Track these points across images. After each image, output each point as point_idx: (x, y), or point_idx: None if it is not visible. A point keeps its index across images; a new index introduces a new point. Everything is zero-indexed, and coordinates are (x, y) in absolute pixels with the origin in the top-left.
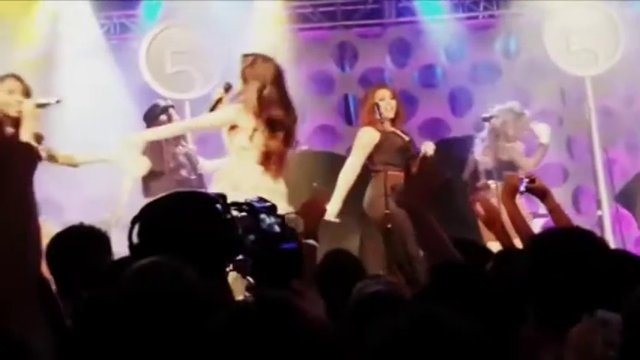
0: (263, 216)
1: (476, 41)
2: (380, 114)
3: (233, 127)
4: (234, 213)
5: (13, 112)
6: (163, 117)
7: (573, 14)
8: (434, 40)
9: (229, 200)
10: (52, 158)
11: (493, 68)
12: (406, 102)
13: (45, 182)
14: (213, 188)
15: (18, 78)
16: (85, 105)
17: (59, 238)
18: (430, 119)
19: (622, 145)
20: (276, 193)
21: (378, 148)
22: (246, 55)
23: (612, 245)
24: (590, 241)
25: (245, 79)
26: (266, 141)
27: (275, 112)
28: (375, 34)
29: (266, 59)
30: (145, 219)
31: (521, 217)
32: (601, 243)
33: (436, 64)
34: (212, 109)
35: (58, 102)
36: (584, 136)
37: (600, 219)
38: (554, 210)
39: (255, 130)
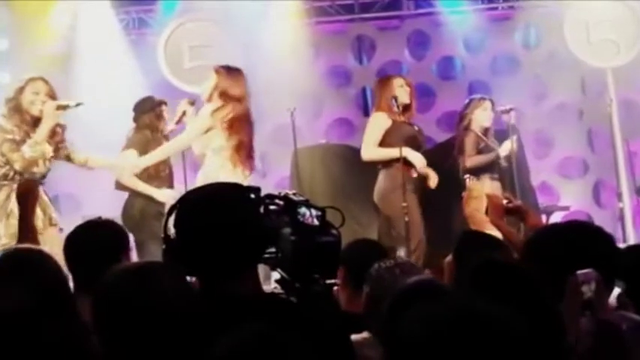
0: (303, 209)
1: (495, 33)
2: (397, 105)
3: (207, 130)
4: (270, 206)
5: (36, 112)
6: (151, 114)
7: (594, 5)
8: (452, 32)
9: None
10: (68, 159)
11: (513, 60)
12: (424, 94)
13: (63, 177)
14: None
15: (45, 81)
16: (104, 100)
17: (77, 232)
18: (449, 112)
19: None
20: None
21: (387, 135)
22: (217, 68)
23: (633, 239)
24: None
25: (218, 91)
26: (235, 138)
27: (238, 112)
28: (393, 26)
29: (235, 72)
30: (180, 209)
31: (515, 233)
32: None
33: (455, 56)
34: (177, 122)
35: (78, 105)
36: (605, 128)
37: (621, 212)
38: (537, 226)
39: (225, 129)
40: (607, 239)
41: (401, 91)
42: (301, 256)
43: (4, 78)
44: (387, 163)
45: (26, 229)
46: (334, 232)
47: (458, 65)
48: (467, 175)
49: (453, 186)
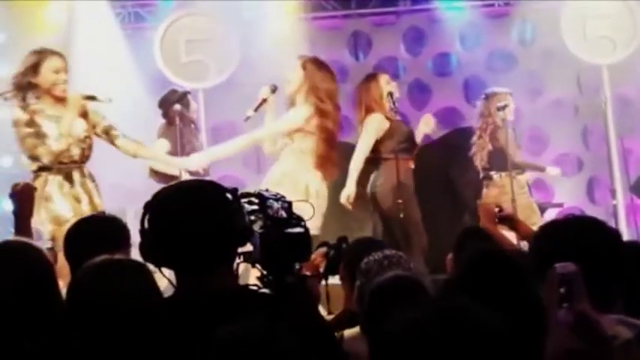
0: (270, 202)
1: (491, 29)
2: (394, 102)
3: (297, 130)
4: (246, 205)
5: (58, 92)
6: (178, 105)
7: (590, 2)
8: (449, 28)
9: (256, 193)
10: (113, 143)
11: (509, 56)
12: (420, 91)
13: None
14: (274, 189)
15: (62, 56)
16: (100, 93)
17: (78, 226)
18: (444, 108)
19: (638, 134)
20: (326, 198)
21: (387, 136)
22: (304, 62)
23: (627, 236)
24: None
25: (306, 71)
26: (322, 147)
27: (331, 123)
28: (389, 22)
29: (321, 64)
30: (156, 205)
31: (508, 239)
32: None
33: (451, 52)
34: (256, 109)
35: (110, 101)
36: (599, 125)
37: (614, 209)
38: (527, 234)
39: (316, 134)
40: (614, 235)
41: (390, 87)
42: (268, 248)
43: (2, 71)
44: (386, 159)
45: (22, 229)
46: (302, 223)
47: (454, 61)
48: (493, 172)
49: (468, 178)
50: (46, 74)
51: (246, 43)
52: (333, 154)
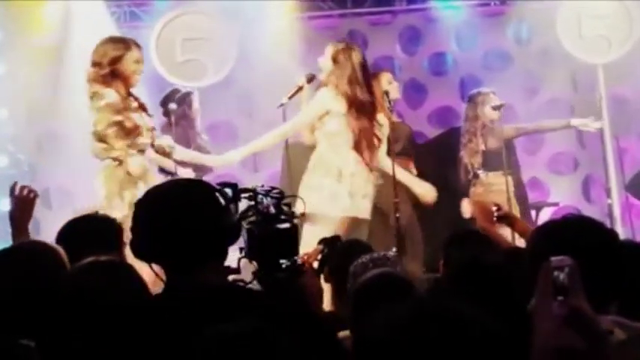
0: (260, 197)
1: (487, 28)
2: (389, 101)
3: (325, 113)
4: (247, 201)
5: (135, 82)
6: (173, 104)
7: (586, 1)
8: (444, 27)
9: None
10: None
11: (504, 56)
12: (416, 90)
13: (54, 170)
14: (309, 174)
15: (140, 47)
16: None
17: (70, 226)
18: (440, 107)
19: (633, 133)
20: (369, 181)
21: (389, 139)
22: (336, 42)
23: (622, 235)
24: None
25: (336, 64)
26: (357, 125)
27: (364, 97)
28: (385, 21)
29: (352, 46)
30: (146, 204)
31: (505, 237)
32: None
33: (447, 51)
34: (291, 96)
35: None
36: None
37: (610, 208)
38: (525, 232)
39: (346, 114)
40: (611, 236)
41: (391, 87)
42: (255, 243)
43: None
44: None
45: (19, 234)
46: (291, 219)
47: (449, 61)
48: (481, 171)
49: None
50: (130, 64)
51: (242, 43)
52: (372, 136)
